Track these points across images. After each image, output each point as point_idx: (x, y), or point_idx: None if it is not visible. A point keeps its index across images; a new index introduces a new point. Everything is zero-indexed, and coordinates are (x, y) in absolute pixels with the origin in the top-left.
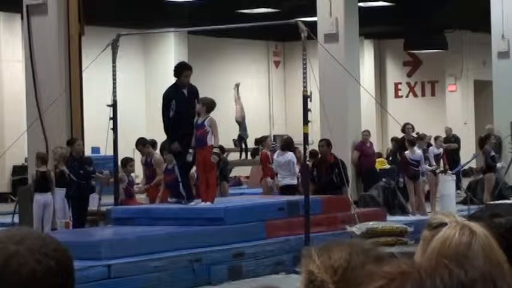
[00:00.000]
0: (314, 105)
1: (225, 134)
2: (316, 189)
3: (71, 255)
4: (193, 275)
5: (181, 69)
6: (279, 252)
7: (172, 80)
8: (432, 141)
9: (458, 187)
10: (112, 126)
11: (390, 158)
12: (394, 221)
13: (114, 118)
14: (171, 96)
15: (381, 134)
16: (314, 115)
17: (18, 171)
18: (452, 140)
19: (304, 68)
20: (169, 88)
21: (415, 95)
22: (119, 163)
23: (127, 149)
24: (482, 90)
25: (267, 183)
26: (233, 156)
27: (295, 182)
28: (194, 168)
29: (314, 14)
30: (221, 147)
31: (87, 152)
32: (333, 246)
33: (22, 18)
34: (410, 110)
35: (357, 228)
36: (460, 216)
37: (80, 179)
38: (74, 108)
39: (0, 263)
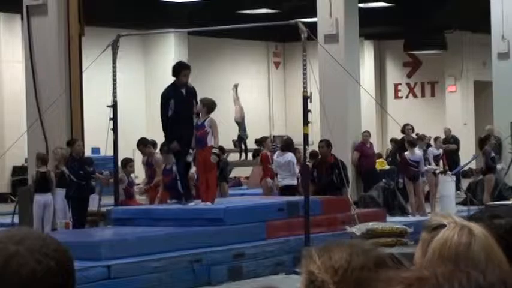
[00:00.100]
0: (314, 106)
1: (225, 135)
2: (316, 190)
3: (71, 255)
4: (194, 276)
5: (180, 69)
6: (279, 253)
7: (172, 80)
8: (432, 142)
9: (458, 188)
10: (112, 127)
11: (390, 159)
12: (394, 222)
13: (114, 118)
14: (169, 96)
15: (381, 134)
16: (314, 116)
17: (18, 171)
18: (451, 140)
19: (304, 69)
20: (167, 88)
21: (415, 96)
22: (119, 164)
23: (127, 149)
24: (482, 91)
25: (267, 184)
26: (233, 157)
27: (295, 182)
28: (194, 168)
29: (314, 15)
30: (221, 148)
31: (87, 153)
32: (333, 246)
33: (22, 18)
34: (410, 111)
35: (357, 229)
36: (459, 217)
37: (80, 180)
38: (74, 109)
39: (0, 263)
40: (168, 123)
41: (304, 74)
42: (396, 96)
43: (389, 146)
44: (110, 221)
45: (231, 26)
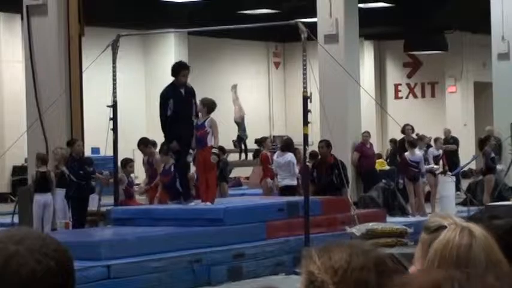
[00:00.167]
0: (314, 106)
1: (225, 135)
2: (316, 190)
3: (71, 255)
4: (193, 276)
5: (179, 69)
6: (278, 253)
7: (172, 80)
8: (432, 143)
9: (458, 188)
10: (112, 127)
11: (389, 160)
12: (394, 222)
13: (114, 119)
14: (168, 96)
15: (381, 135)
16: (314, 116)
17: (18, 171)
18: (450, 141)
19: (304, 69)
20: (166, 87)
21: (415, 96)
22: (119, 164)
23: (127, 149)
24: (482, 91)
25: (267, 184)
26: (233, 157)
27: (295, 182)
28: (194, 169)
29: (314, 15)
30: (221, 148)
31: (87, 153)
32: (333, 247)
33: (22, 18)
34: (410, 111)
35: (357, 229)
36: (458, 217)
37: (80, 180)
38: (74, 109)
39: (1, 263)
40: (167, 123)
41: (304, 74)
42: (396, 97)
43: (389, 147)
44: (110, 221)
45: (231, 26)
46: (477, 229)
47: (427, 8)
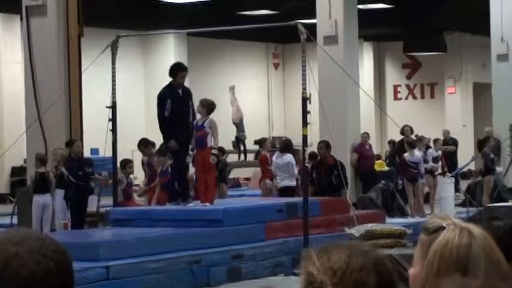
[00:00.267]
0: (313, 107)
1: (224, 136)
2: (315, 191)
3: (70, 256)
4: (192, 277)
5: (177, 70)
6: (277, 254)
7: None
8: (431, 144)
9: (457, 189)
10: (111, 128)
11: (388, 161)
12: (393, 223)
13: (113, 119)
14: (166, 96)
15: (380, 136)
16: (313, 117)
17: (17, 172)
18: (450, 142)
19: (304, 70)
20: (164, 88)
21: (414, 97)
22: (118, 164)
23: (126, 150)
24: (482, 92)
25: (266, 185)
26: (232, 158)
27: (294, 183)
28: (193, 169)
29: (313, 16)
30: (221, 149)
31: (86, 153)
32: (332, 248)
33: (21, 19)
34: (410, 112)
35: (356, 230)
36: (457, 218)
37: (79, 181)
38: (73, 110)
39: (0, 264)
40: (164, 123)
41: (304, 75)
42: (395, 98)
43: (388, 148)
44: (109, 222)
45: (230, 27)
46: (476, 229)
47: (426, 9)
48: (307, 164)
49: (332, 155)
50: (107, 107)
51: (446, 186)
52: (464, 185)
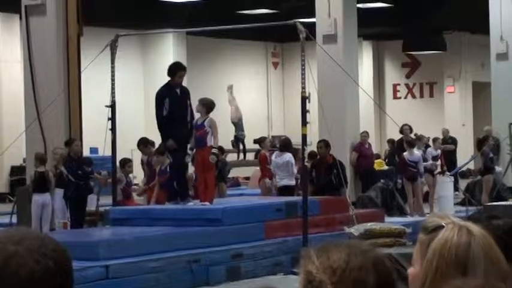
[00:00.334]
0: (312, 106)
1: (224, 135)
2: (314, 190)
3: (70, 255)
4: (192, 276)
5: (176, 69)
6: (277, 253)
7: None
8: (430, 143)
9: (456, 188)
10: (110, 127)
11: (387, 160)
12: (392, 222)
13: (112, 118)
14: (164, 95)
15: (379, 135)
16: (312, 116)
17: (17, 171)
18: (449, 141)
19: (303, 69)
20: (162, 87)
21: (414, 96)
22: (117, 164)
23: (125, 149)
24: (481, 91)
25: (265, 184)
26: (231, 157)
27: (293, 182)
28: (193, 169)
29: (313, 15)
30: (221, 148)
31: (86, 153)
32: (331, 247)
33: (21, 18)
34: (409, 111)
35: (355, 229)
36: (456, 217)
37: (78, 180)
38: (72, 109)
39: (0, 264)
40: (163, 123)
41: (303, 74)
42: (395, 97)
43: (387, 147)
44: (108, 221)
45: (229, 26)
46: (475, 228)
47: (425, 9)
48: (306, 163)
49: (331, 154)
50: (106, 106)
51: (445, 185)
52: (463, 184)
